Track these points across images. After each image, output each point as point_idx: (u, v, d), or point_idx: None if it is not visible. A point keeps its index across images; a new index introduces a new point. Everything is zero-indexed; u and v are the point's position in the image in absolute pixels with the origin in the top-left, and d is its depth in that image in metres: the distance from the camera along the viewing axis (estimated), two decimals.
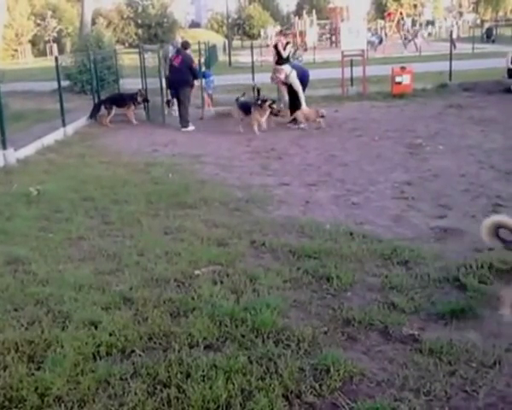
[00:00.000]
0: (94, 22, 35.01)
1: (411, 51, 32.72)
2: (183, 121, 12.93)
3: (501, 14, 59.53)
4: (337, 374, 3.27)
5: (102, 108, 14.11)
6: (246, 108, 12.16)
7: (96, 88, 15.69)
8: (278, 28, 46.81)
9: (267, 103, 11.79)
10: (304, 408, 3.05)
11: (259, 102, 11.97)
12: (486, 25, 44.24)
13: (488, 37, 39.31)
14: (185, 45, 13.57)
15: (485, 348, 3.53)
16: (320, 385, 3.20)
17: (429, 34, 48.47)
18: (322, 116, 11.88)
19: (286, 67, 12.43)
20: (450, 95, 15.11)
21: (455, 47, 30.74)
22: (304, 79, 12.47)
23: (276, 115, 12.43)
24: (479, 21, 53.13)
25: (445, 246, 5.25)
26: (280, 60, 13.46)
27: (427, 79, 17.22)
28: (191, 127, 12.92)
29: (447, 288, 4.39)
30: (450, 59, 16.75)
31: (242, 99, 12.70)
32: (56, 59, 13.21)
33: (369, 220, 6.15)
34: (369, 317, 3.93)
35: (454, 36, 34.59)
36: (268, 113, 11.96)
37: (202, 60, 18.92)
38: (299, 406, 3.07)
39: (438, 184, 7.39)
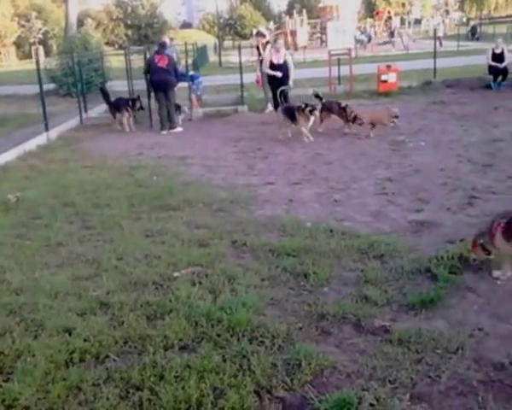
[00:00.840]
0: (82, 23, 34.93)
1: (399, 49, 32.87)
2: (172, 122, 12.93)
3: (485, 12, 59.98)
4: (308, 368, 3.33)
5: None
6: (290, 114, 10.97)
7: (82, 91, 15.55)
8: (271, 27, 47.14)
9: (307, 109, 10.56)
10: (274, 403, 3.11)
11: (303, 107, 10.66)
12: (472, 23, 44.56)
13: (473, 34, 39.60)
14: (164, 45, 13.55)
15: (450, 335, 3.63)
16: (291, 379, 3.26)
17: (427, 31, 48.56)
18: (396, 116, 10.40)
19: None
20: (434, 92, 15.24)
21: (441, 45, 31.04)
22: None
23: (352, 122, 10.79)
24: (465, 20, 53.52)
25: (420, 239, 5.34)
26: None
27: (412, 76, 17.33)
28: (179, 128, 12.94)
29: (419, 279, 4.47)
30: (435, 57, 16.91)
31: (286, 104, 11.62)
32: (37, 62, 13.13)
33: (349, 217, 6.22)
34: (342, 311, 4.00)
35: (440, 34, 34.89)
36: (312, 119, 10.67)
37: (190, 61, 18.94)
38: (270, 401, 3.12)
39: (418, 179, 7.48)
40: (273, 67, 12.49)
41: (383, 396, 3.00)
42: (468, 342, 3.55)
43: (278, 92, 11.81)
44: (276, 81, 12.48)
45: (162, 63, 12.66)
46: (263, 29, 18.70)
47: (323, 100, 11.55)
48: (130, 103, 13.29)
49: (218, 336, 3.78)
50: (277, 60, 12.48)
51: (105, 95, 13.95)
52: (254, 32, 28.75)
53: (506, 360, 3.37)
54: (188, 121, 13.77)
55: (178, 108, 13.42)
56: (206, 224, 6.18)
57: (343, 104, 11.07)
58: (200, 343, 3.74)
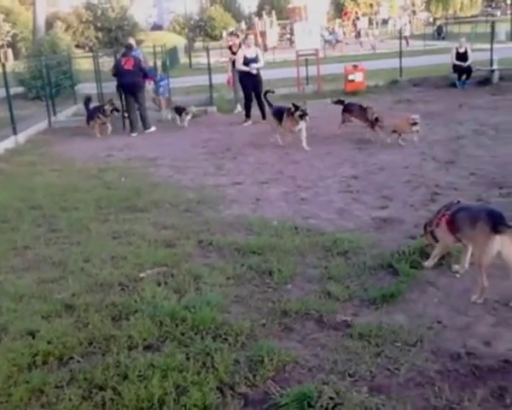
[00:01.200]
0: (51, 26, 34.49)
1: (367, 49, 33.24)
2: (145, 123, 12.91)
3: (451, 12, 61.15)
4: (271, 364, 3.38)
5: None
6: (280, 116, 10.16)
7: (50, 94, 15.41)
8: (243, 28, 47.21)
9: (297, 113, 9.63)
10: (236, 399, 3.14)
11: (292, 109, 9.76)
12: (438, 23, 45.34)
13: (439, 34, 40.25)
14: (130, 47, 13.50)
15: (410, 328, 3.72)
16: (254, 375, 3.30)
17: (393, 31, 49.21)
18: (415, 123, 9.08)
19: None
20: (401, 90, 15.47)
21: (408, 44, 31.52)
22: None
23: (373, 125, 9.90)
24: (431, 19, 54.42)
25: (382, 235, 5.44)
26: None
27: (379, 76, 17.55)
28: (153, 128, 12.91)
29: (381, 274, 4.56)
30: (400, 56, 17.16)
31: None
32: (3, 65, 12.95)
33: (314, 215, 6.30)
34: (305, 307, 4.06)
35: (407, 34, 35.40)
36: (302, 124, 9.75)
37: (159, 63, 18.88)
38: (232, 397, 3.16)
39: (382, 176, 7.60)
40: (246, 61, 12.54)
41: (343, 389, 3.06)
42: (426, 335, 3.65)
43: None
44: (249, 82, 12.55)
45: (129, 65, 12.61)
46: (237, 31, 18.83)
47: (345, 102, 10.90)
48: (102, 110, 13.08)
49: (182, 334, 3.81)
50: (250, 54, 12.58)
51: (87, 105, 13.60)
52: (228, 32, 28.88)
53: (462, 351, 3.46)
54: (157, 122, 13.71)
55: (183, 109, 13.23)
56: (172, 224, 6.19)
57: (364, 105, 10.42)
58: (164, 342, 3.76)
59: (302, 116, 9.63)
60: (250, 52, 12.67)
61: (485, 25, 30.08)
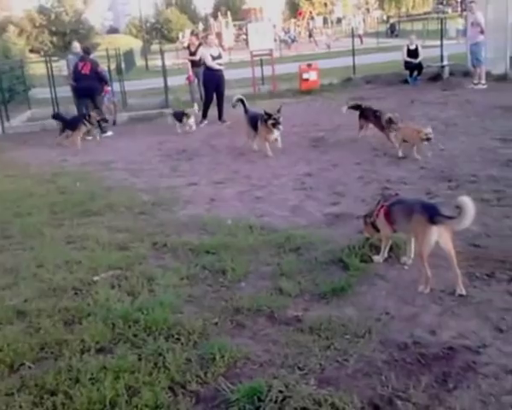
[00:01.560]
0: (4, 30, 33.74)
1: (322, 48, 33.63)
2: (102, 128, 12.81)
3: (404, 10, 62.37)
4: (222, 361, 3.41)
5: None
6: (254, 123, 9.45)
7: (3, 99, 15.16)
8: (200, 29, 47.09)
9: (270, 121, 8.92)
10: (188, 397, 3.16)
11: (265, 117, 9.03)
12: (391, 21, 46.23)
13: (392, 32, 41.09)
14: (87, 51, 13.37)
15: (359, 320, 3.80)
16: (205, 373, 3.33)
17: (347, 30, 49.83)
18: (428, 139, 7.88)
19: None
20: (354, 88, 15.73)
21: (362, 42, 32.04)
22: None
23: (384, 128, 8.83)
24: (385, 17, 55.42)
25: (334, 231, 5.54)
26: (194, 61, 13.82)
27: (334, 74, 17.82)
28: (110, 132, 12.81)
29: (332, 269, 4.64)
30: (353, 54, 17.44)
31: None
32: None
33: (269, 213, 6.36)
34: (257, 304, 4.10)
35: (361, 32, 36.00)
36: (276, 133, 9.00)
37: (113, 66, 18.69)
38: (184, 395, 3.18)
39: (335, 173, 7.73)
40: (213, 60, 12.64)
41: (292, 382, 3.11)
42: (375, 326, 3.74)
43: (236, 99, 10.34)
44: (213, 81, 12.60)
45: (86, 70, 12.55)
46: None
47: (362, 106, 9.93)
48: (87, 117, 12.09)
49: (135, 336, 3.80)
50: (214, 53, 12.69)
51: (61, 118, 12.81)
52: (183, 33, 28.81)
53: (409, 340, 3.56)
54: (112, 126, 13.60)
55: (183, 114, 12.28)
56: (127, 227, 6.17)
57: (373, 108, 9.56)
58: (116, 345, 3.75)
59: (275, 125, 8.93)
60: (213, 51, 12.78)
61: (436, 22, 30.73)
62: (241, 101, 10.06)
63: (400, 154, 8.28)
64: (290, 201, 6.73)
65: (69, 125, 12.10)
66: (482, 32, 13.90)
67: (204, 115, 12.93)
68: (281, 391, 3.03)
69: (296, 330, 3.76)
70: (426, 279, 4.15)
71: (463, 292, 4.06)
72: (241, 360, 3.45)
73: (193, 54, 14.65)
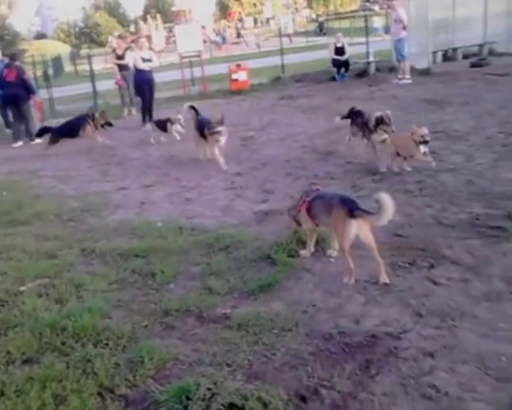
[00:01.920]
0: None
1: (252, 48, 33.87)
2: (30, 134, 12.53)
3: (332, 8, 63.68)
4: (151, 363, 3.41)
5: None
6: (201, 130, 8.81)
7: None
8: (130, 32, 46.42)
9: (211, 130, 8.31)
10: (117, 401, 3.14)
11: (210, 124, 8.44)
12: (319, 19, 47.14)
13: (320, 30, 41.87)
14: (14, 57, 12.97)
15: (286, 314, 3.88)
16: (134, 376, 3.32)
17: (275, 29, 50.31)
18: (425, 141, 6.70)
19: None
20: (284, 87, 15.94)
21: (291, 41, 32.49)
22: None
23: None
24: (314, 16, 56.41)
25: (263, 228, 5.62)
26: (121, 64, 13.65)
27: (263, 73, 17.99)
28: (38, 140, 12.44)
29: (260, 266, 4.71)
30: (282, 53, 17.69)
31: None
32: None
33: (199, 213, 6.38)
34: (186, 304, 4.12)
35: (291, 31, 36.50)
36: (221, 140, 8.28)
37: (40, 73, 18.24)
38: (112, 399, 3.16)
39: (265, 171, 7.82)
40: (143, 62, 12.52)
41: (220, 379, 3.15)
42: (301, 319, 3.83)
43: (187, 106, 9.54)
44: (146, 85, 12.48)
45: (11, 77, 12.20)
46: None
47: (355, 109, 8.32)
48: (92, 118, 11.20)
49: (63, 344, 3.74)
50: (145, 56, 12.57)
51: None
52: (115, 34, 28.34)
53: (334, 331, 3.67)
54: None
55: (167, 121, 10.97)
56: (55, 235, 6.04)
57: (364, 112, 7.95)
58: (43, 354, 3.67)
59: (214, 133, 8.30)
60: (144, 54, 12.67)
61: (363, 19, 31.57)
62: (192, 107, 9.47)
63: (383, 168, 7.04)
64: (220, 201, 6.76)
65: (68, 131, 11.16)
66: (405, 28, 14.38)
67: (144, 119, 12.75)
68: (209, 389, 3.06)
69: (225, 327, 3.80)
70: (349, 271, 4.27)
71: (387, 281, 4.21)
72: (170, 361, 3.46)
73: (120, 57, 14.46)
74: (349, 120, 8.26)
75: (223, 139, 8.29)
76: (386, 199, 3.99)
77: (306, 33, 36.09)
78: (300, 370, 3.29)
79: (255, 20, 56.29)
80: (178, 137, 10.67)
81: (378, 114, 7.18)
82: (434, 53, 16.02)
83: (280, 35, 19.48)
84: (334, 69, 16.46)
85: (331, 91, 14.45)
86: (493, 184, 6.12)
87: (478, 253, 4.55)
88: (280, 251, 4.81)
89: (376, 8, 64.97)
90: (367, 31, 18.59)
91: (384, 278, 4.22)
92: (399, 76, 14.67)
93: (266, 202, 6.46)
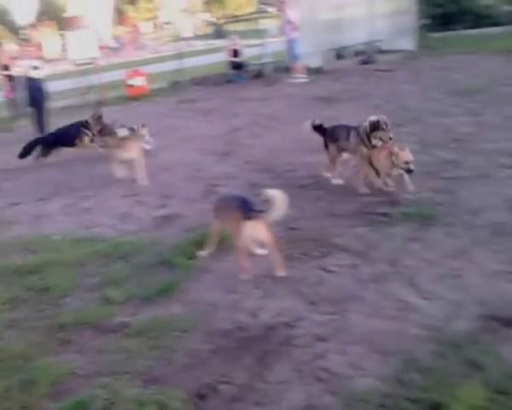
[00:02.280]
0: None
1: (151, 53, 33.51)
2: None
3: (230, 11, 64.14)
4: (45, 381, 3.31)
5: None
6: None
7: None
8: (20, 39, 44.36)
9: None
10: None
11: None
12: (218, 22, 47.39)
13: (218, 33, 42.05)
14: None
15: (186, 315, 3.91)
16: (28, 396, 3.21)
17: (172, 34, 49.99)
18: (409, 171, 5.63)
19: None
20: (183, 91, 15.89)
21: (190, 45, 32.41)
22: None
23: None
24: (212, 19, 56.61)
25: (163, 232, 5.58)
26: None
27: (162, 78, 17.82)
28: None
29: (160, 271, 4.69)
30: (180, 57, 17.62)
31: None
32: None
33: (98, 223, 6.23)
34: (83, 317, 4.03)
35: (189, 35, 36.44)
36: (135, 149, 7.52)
37: None
38: None
39: (165, 176, 7.75)
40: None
41: (118, 388, 3.12)
42: (201, 319, 3.87)
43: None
44: (38, 94, 11.96)
45: None
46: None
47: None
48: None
49: None
50: (35, 64, 12.06)
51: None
52: (9, 44, 27.00)
53: (232, 326, 3.73)
54: None
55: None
56: None
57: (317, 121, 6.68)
58: None
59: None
60: (33, 63, 12.15)
61: (261, 21, 32.03)
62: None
63: (365, 190, 5.97)
64: (119, 208, 6.65)
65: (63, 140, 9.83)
66: (296, 29, 14.77)
67: (41, 130, 12.20)
68: (106, 399, 3.02)
69: (123, 336, 3.76)
70: (244, 268, 4.35)
71: (283, 274, 4.33)
72: (66, 376, 3.38)
73: (6, 68, 13.86)
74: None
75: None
76: (275, 195, 4.10)
77: (205, 37, 36.19)
78: (199, 369, 3.33)
79: (154, 25, 55.62)
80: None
81: (373, 118, 6.07)
82: (326, 52, 16.57)
83: (178, 39, 19.39)
84: (232, 71, 16.62)
85: (229, 93, 14.58)
86: None
87: (366, 239, 4.80)
88: (180, 254, 4.82)
89: (271, 10, 66.24)
90: (261, 33, 18.90)
91: (280, 272, 4.34)
92: (294, 75, 15.05)
93: (166, 207, 6.42)
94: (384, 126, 5.97)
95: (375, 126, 5.98)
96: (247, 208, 4.28)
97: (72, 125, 10.10)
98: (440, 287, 3.92)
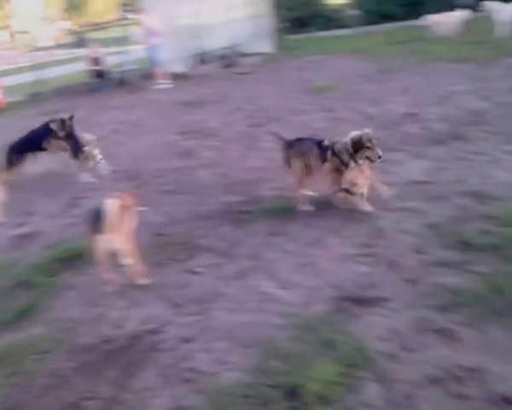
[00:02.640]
0: None
1: (6, 64, 31.70)
2: None
3: (90, 19, 62.33)
4: None
5: None
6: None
7: None
8: None
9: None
10: None
11: None
12: (78, 30, 45.84)
13: (80, 41, 40.76)
14: None
15: (47, 335, 3.79)
16: None
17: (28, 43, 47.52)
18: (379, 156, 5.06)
19: None
20: (44, 102, 15.18)
21: (51, 55, 31.07)
22: None
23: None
24: (73, 27, 54.63)
25: (21, 252, 5.31)
26: None
27: (22, 90, 16.91)
28: None
29: (18, 292, 4.47)
30: (41, 68, 16.85)
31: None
32: None
33: None
34: None
35: (51, 43, 34.94)
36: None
37: None
38: None
39: (23, 192, 7.31)
40: None
41: None
42: (63, 337, 3.75)
43: None
44: None
45: None
46: None
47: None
48: None
49: None
50: None
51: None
52: None
53: (96, 340, 3.66)
54: None
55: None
56: None
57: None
58: None
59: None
60: None
61: (123, 28, 31.45)
62: None
63: (369, 208, 5.07)
64: None
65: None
66: (156, 35, 14.69)
67: None
68: None
69: None
70: (108, 280, 4.26)
71: (145, 282, 4.28)
72: None
73: None
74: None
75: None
76: (104, 205, 4.05)
77: (67, 46, 34.84)
78: (62, 389, 3.24)
79: (11, 34, 52.58)
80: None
81: (355, 134, 5.08)
82: (190, 57, 16.63)
83: (38, 49, 18.51)
84: (96, 80, 16.17)
85: (92, 102, 14.16)
86: (242, 174, 6.62)
87: (229, 237, 4.91)
88: (40, 273, 4.64)
89: (132, 17, 65.30)
90: (123, 40, 18.59)
91: (141, 280, 4.28)
92: (157, 82, 14.96)
93: (25, 226, 6.10)
94: (369, 144, 4.97)
95: (359, 144, 4.98)
96: (96, 222, 4.09)
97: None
98: (298, 275, 4.11)
